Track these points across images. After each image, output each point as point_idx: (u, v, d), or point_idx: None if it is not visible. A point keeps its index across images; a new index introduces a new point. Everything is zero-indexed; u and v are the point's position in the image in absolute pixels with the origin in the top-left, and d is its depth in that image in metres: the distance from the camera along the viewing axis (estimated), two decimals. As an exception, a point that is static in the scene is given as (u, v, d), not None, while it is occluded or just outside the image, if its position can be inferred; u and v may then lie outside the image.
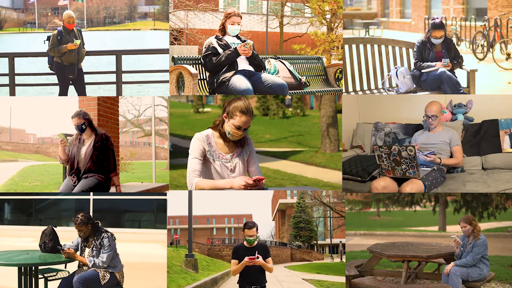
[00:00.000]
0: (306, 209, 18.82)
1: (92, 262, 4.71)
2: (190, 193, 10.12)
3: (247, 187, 3.84)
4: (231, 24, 5.93)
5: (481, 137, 6.36)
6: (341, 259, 17.35)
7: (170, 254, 10.87)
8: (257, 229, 4.55)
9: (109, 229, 4.90)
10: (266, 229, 22.06)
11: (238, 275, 4.54)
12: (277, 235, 21.77)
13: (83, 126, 5.31)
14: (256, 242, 4.56)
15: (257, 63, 6.05)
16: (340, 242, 17.73)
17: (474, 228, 5.30)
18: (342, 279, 11.44)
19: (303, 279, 12.05)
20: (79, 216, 4.76)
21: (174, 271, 9.09)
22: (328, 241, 18.77)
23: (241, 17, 5.98)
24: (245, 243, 4.59)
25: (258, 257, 4.42)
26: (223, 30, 6.01)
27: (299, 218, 18.91)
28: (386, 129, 6.67)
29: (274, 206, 22.21)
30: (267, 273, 4.58)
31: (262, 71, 6.13)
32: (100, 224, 4.87)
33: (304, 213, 18.84)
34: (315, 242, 19.13)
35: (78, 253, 4.88)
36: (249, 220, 4.65)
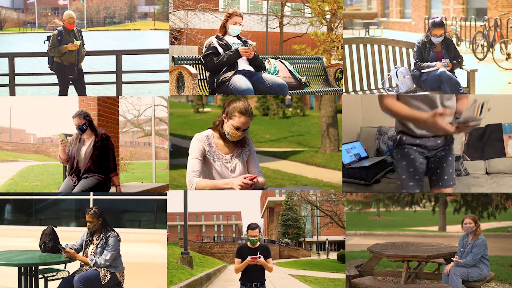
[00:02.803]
0: (294, 207, 18.94)
1: (94, 261, 4.71)
2: (185, 192, 10.17)
3: (244, 187, 3.85)
4: (233, 24, 5.93)
5: (484, 142, 6.36)
6: (327, 256, 17.49)
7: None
8: (259, 230, 4.86)
9: (110, 229, 4.92)
10: (254, 227, 22.18)
11: (240, 272, 4.80)
12: (265, 233, 21.86)
13: (84, 127, 5.31)
14: (258, 243, 4.83)
15: (258, 64, 6.05)
16: (327, 239, 17.88)
17: (477, 228, 5.31)
18: (326, 275, 11.79)
19: (289, 274, 12.31)
20: (93, 208, 4.81)
21: (173, 267, 9.58)
22: (315, 238, 18.90)
23: (242, 17, 5.98)
24: (248, 243, 4.84)
25: (260, 257, 4.68)
26: (224, 30, 6.00)
27: (287, 216, 19.03)
28: (390, 133, 6.67)
29: (263, 203, 22.28)
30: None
31: (262, 71, 6.13)
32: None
33: (292, 211, 18.96)
34: (303, 239, 19.25)
35: (81, 253, 4.88)
36: (253, 222, 4.87)
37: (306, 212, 18.98)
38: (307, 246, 19.37)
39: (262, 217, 22.57)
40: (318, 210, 17.22)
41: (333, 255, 16.96)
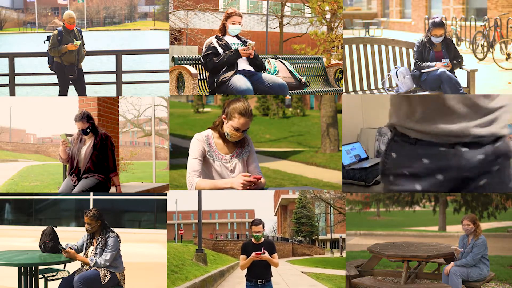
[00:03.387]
0: (307, 205, 18.93)
1: (94, 261, 4.71)
2: (199, 192, 10.23)
3: (246, 186, 3.84)
4: (232, 23, 5.93)
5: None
6: (341, 254, 17.48)
7: (181, 249, 11.39)
8: (263, 226, 4.81)
9: (110, 229, 4.91)
10: (268, 224, 22.22)
11: (246, 269, 4.77)
12: (279, 230, 21.86)
13: (88, 130, 5.32)
14: (263, 239, 4.79)
15: (258, 64, 6.04)
16: (340, 237, 17.85)
17: (476, 228, 5.30)
18: (339, 272, 11.83)
19: (302, 272, 12.37)
20: (93, 209, 4.79)
21: (188, 264, 9.77)
22: (329, 236, 18.88)
23: (241, 17, 5.98)
24: (252, 239, 4.80)
25: (264, 253, 4.63)
26: (223, 30, 6.00)
27: (300, 213, 19.03)
28: (390, 134, 6.66)
29: (276, 201, 22.28)
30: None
31: (262, 71, 6.13)
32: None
33: (305, 208, 18.96)
34: (316, 237, 19.24)
35: (82, 254, 4.88)
36: (256, 218, 4.85)
37: (320, 210, 19.00)
38: (321, 244, 19.38)
39: (275, 215, 22.61)
40: (331, 208, 17.21)
41: (347, 253, 16.98)
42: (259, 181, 3.86)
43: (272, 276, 4.78)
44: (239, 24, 5.94)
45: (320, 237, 19.29)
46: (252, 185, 3.87)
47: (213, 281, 9.31)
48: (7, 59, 7.76)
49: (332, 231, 18.51)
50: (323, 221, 19.16)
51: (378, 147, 6.71)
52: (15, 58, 7.75)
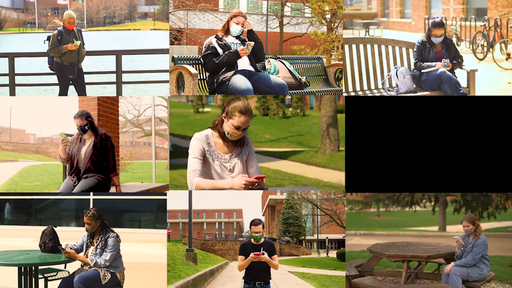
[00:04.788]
0: (295, 206, 19.07)
1: (94, 261, 4.71)
2: (190, 192, 10.26)
3: (247, 186, 3.84)
4: (235, 23, 5.92)
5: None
6: (327, 254, 17.64)
7: (171, 248, 11.38)
8: (263, 226, 4.68)
9: (110, 230, 4.91)
10: (255, 224, 22.43)
11: (244, 270, 4.65)
12: (266, 230, 21.94)
13: (86, 127, 5.32)
14: (262, 239, 4.67)
15: (258, 43, 5.95)
16: (327, 238, 18.02)
17: (476, 228, 5.30)
18: (325, 272, 11.95)
19: (289, 271, 12.47)
20: (92, 209, 4.79)
21: (179, 263, 9.80)
22: (315, 236, 19.03)
23: (246, 18, 5.96)
24: (252, 240, 4.68)
25: (263, 253, 4.51)
26: (226, 29, 5.99)
27: (288, 214, 19.16)
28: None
29: (264, 201, 22.35)
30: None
31: (262, 71, 6.13)
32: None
33: (293, 209, 19.10)
34: (304, 237, 19.37)
35: (82, 253, 4.88)
36: (256, 218, 4.72)
37: (307, 211, 19.11)
38: (308, 244, 19.49)
39: (263, 215, 22.70)
40: (318, 209, 17.35)
41: (333, 253, 17.11)
42: (262, 180, 3.86)
43: (271, 278, 4.66)
44: (242, 26, 5.92)
45: (307, 237, 19.43)
46: (254, 185, 3.86)
47: (204, 280, 9.36)
48: (7, 59, 7.76)
49: (318, 231, 18.65)
50: (310, 222, 19.30)
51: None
52: (15, 58, 7.75)
